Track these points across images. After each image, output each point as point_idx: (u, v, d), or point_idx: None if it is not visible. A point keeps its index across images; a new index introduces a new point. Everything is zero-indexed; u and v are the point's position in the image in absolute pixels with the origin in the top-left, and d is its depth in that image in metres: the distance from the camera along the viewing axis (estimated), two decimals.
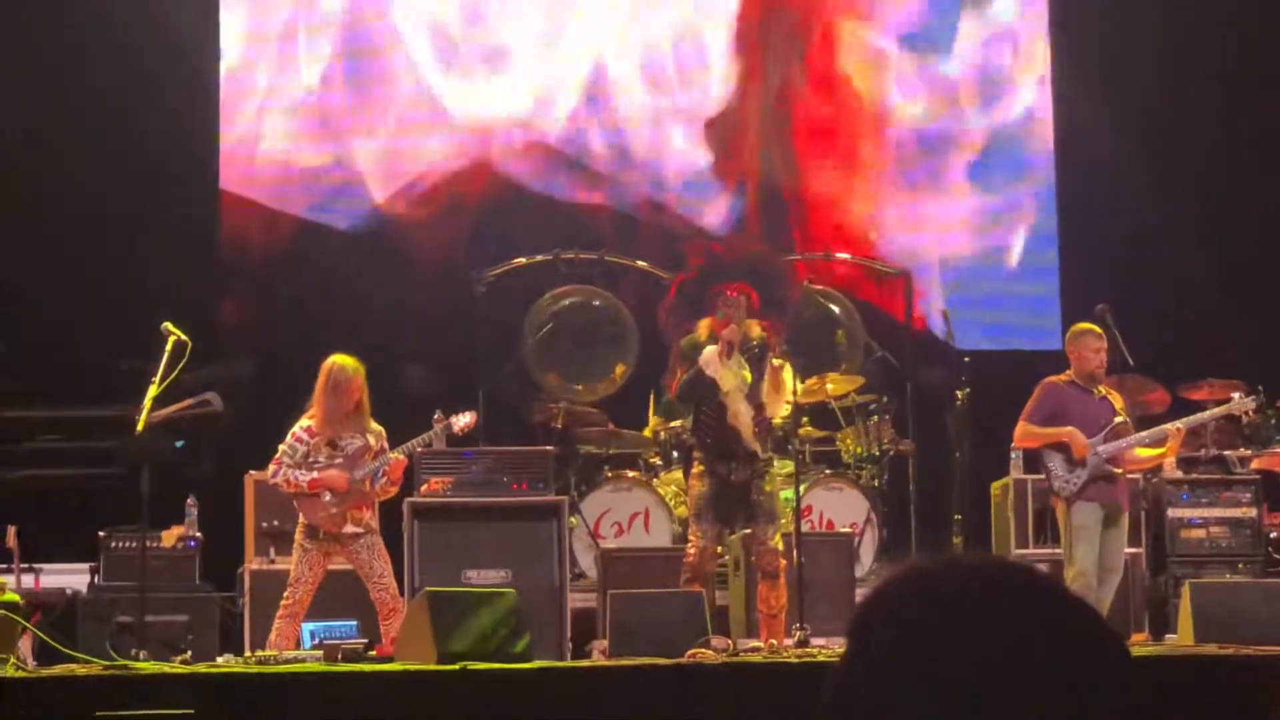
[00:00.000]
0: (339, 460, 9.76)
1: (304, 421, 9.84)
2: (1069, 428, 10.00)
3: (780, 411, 10.04)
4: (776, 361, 9.83)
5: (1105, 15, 14.57)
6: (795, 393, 10.03)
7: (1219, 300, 13.79)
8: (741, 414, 9.68)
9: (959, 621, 1.70)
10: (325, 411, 9.77)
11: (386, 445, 9.88)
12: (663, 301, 10.36)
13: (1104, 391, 10.20)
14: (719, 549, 9.96)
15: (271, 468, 9.82)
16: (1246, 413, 10.51)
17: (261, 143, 14.04)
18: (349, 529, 9.70)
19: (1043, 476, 11.17)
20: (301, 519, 9.81)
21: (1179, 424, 10.20)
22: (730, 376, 9.63)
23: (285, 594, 9.70)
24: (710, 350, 9.66)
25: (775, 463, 10.02)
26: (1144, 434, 10.14)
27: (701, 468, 9.83)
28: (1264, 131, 14.25)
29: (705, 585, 9.67)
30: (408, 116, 14.18)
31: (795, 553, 9.94)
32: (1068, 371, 10.28)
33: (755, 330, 9.80)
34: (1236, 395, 10.49)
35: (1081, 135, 14.50)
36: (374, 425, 9.90)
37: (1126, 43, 14.47)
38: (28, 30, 13.64)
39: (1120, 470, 10.07)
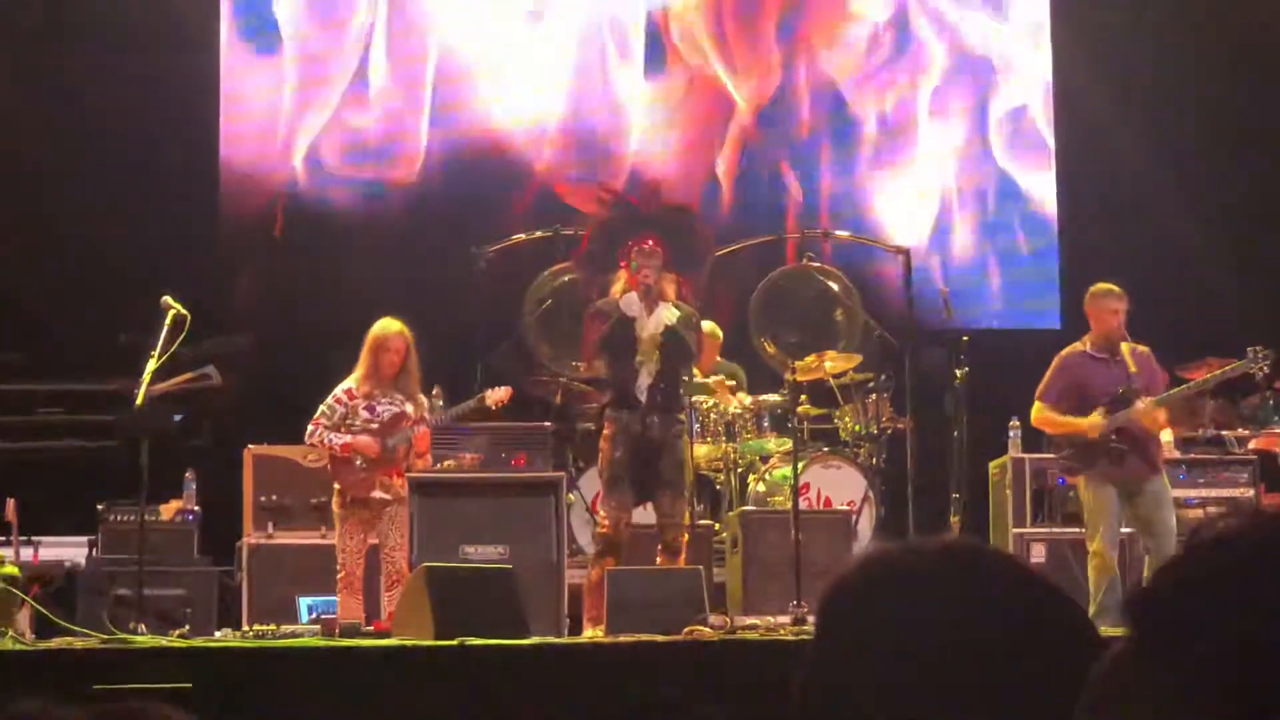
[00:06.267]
0: (374, 426, 9.80)
1: (346, 383, 9.90)
2: (1085, 423, 9.91)
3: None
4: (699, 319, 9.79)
5: None
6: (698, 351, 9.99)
7: (1219, 280, 13.78)
8: (650, 362, 9.63)
9: (918, 602, 1.76)
10: (365, 370, 9.86)
11: (427, 417, 9.92)
12: (575, 250, 10.29)
13: (1125, 352, 10.10)
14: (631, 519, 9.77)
15: (310, 427, 9.89)
16: (1262, 369, 10.26)
17: (262, 117, 14.01)
18: (377, 494, 9.74)
19: (1040, 455, 11.20)
20: (337, 487, 9.85)
21: (1187, 387, 10.11)
22: (652, 321, 9.60)
23: (338, 566, 9.74)
24: (632, 294, 9.61)
25: (688, 436, 9.91)
26: (1150, 400, 10.02)
27: (611, 429, 9.71)
28: (1267, 108, 14.23)
29: (619, 558, 9.60)
30: (409, 92, 14.16)
31: (794, 530, 9.95)
32: (1085, 337, 10.22)
33: (670, 287, 9.73)
34: (1251, 350, 10.17)
35: (1082, 111, 14.48)
36: (420, 396, 9.96)
37: (1128, 17, 14.44)
38: (26, 7, 13.63)
39: (1123, 445, 9.94)
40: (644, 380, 9.64)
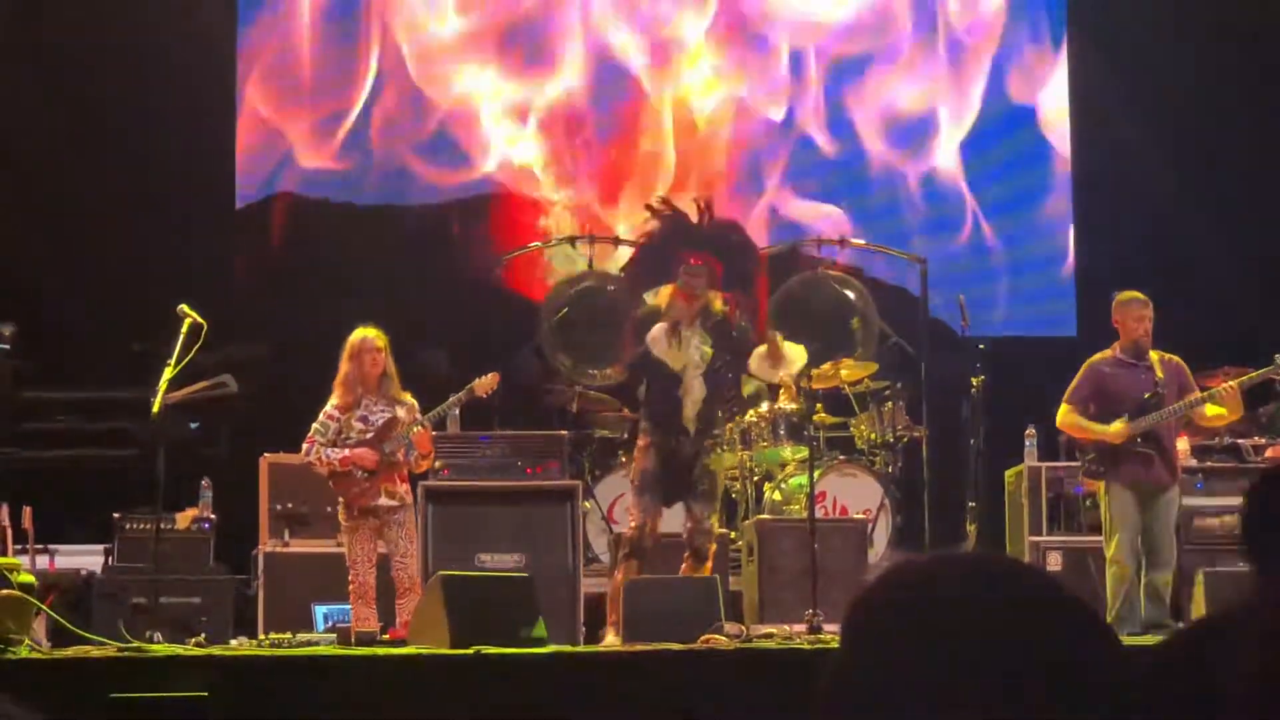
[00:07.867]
0: (369, 435, 9.75)
1: (333, 398, 9.85)
2: (1110, 431, 9.89)
3: (779, 378, 9.95)
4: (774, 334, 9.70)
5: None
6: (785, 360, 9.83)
7: (1236, 289, 13.75)
8: (694, 390, 9.54)
9: (946, 615, 1.77)
10: (348, 382, 9.78)
11: (419, 417, 9.85)
12: (626, 264, 10.21)
13: (1154, 360, 10.07)
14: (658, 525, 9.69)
15: (305, 447, 9.82)
16: None
17: (278, 128, 14.04)
18: (383, 502, 9.69)
19: (1056, 463, 11.18)
20: (342, 500, 9.79)
21: (1230, 384, 10.07)
22: (678, 357, 9.49)
23: (349, 577, 9.69)
24: (658, 329, 9.48)
25: (721, 449, 9.84)
26: (1180, 404, 10.00)
27: (646, 441, 9.64)
28: None
29: (643, 562, 9.55)
30: (427, 102, 14.19)
31: (811, 539, 9.94)
32: (1115, 344, 10.20)
33: (717, 303, 9.62)
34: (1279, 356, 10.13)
35: (1099, 119, 14.46)
36: (407, 398, 9.89)
37: (1144, 24, 14.42)
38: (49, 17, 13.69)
39: (1149, 449, 9.91)
40: (689, 409, 9.55)
